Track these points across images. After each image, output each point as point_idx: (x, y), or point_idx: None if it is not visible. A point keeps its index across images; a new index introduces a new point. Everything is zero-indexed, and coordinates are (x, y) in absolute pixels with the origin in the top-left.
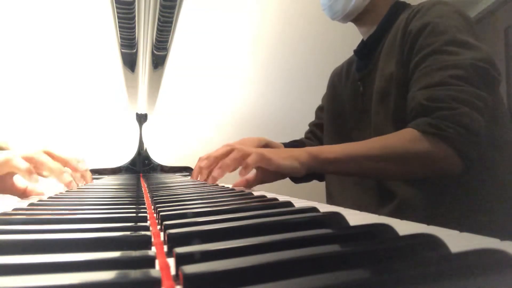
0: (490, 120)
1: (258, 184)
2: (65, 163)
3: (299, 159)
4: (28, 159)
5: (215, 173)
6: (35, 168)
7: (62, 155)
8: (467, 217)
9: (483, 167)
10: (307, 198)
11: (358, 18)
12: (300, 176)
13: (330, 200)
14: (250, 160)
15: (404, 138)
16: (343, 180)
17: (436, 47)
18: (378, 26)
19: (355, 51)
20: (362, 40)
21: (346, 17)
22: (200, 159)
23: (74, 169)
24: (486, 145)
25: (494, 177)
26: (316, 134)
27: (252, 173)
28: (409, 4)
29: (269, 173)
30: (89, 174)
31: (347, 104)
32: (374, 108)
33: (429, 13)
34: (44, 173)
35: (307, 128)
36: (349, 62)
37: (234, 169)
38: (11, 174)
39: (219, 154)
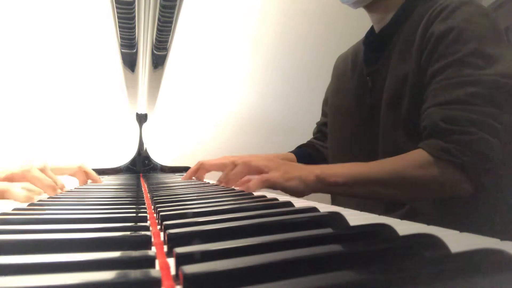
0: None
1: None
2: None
3: (306, 181)
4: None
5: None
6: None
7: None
8: (478, 225)
9: (495, 177)
10: (307, 198)
11: (371, 3)
12: (302, 197)
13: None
14: (252, 189)
15: (416, 163)
16: None
17: (459, 58)
18: (393, 17)
19: (365, 42)
20: (373, 30)
21: (359, 2)
22: (199, 163)
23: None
24: (501, 164)
25: (506, 186)
26: (325, 133)
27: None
28: None
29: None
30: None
31: (353, 98)
32: (384, 110)
33: (455, 16)
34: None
35: (306, 128)
36: (354, 51)
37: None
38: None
39: (233, 176)
